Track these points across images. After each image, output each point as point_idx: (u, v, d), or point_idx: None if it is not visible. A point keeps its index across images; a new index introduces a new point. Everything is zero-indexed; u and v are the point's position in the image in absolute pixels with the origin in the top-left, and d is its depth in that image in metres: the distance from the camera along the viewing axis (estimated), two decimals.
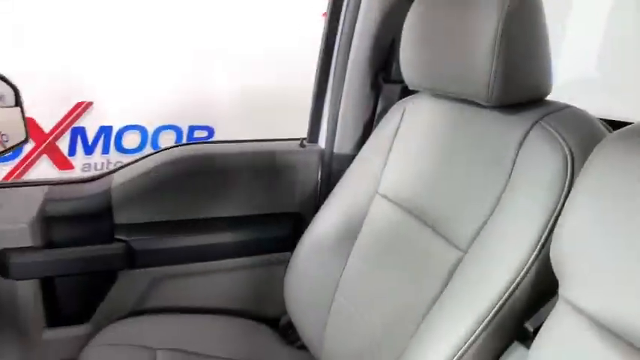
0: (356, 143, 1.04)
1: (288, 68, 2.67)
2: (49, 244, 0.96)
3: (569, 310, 0.42)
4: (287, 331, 1.07)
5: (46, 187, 0.99)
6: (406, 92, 0.92)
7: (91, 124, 2.98)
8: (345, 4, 0.97)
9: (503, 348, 0.51)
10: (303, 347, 1.00)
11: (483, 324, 0.51)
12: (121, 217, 1.00)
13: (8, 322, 0.98)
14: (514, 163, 0.57)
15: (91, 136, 3.05)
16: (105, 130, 3.03)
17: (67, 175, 2.81)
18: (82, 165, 3.06)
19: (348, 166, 0.96)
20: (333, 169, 1.07)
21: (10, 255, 0.92)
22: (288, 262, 1.00)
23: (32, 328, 0.99)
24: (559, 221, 0.44)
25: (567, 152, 0.51)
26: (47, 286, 0.99)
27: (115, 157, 2.97)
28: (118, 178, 1.02)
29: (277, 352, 0.98)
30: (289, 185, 1.11)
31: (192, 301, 1.06)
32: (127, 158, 1.06)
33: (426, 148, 0.76)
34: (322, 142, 1.11)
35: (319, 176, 1.11)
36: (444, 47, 0.64)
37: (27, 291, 0.96)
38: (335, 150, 1.07)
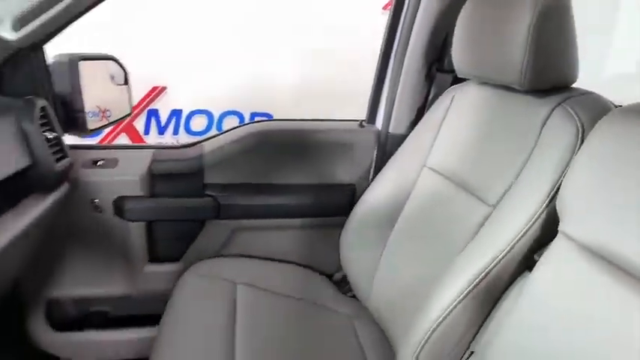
0: (409, 125, 1.19)
1: (345, 61, 2.83)
2: (154, 195, 1.20)
3: (565, 241, 0.56)
4: (340, 284, 1.25)
5: (153, 151, 1.22)
6: (456, 81, 1.06)
7: (164, 107, 3.29)
8: (406, 1, 1.13)
9: (515, 278, 0.65)
10: (353, 297, 1.17)
11: (497, 259, 0.65)
12: (210, 177, 1.22)
13: (120, 254, 1.23)
14: (539, 137, 0.70)
15: (163, 118, 3.36)
16: (176, 114, 3.33)
17: None
18: (154, 144, 3.34)
19: (400, 145, 1.12)
20: (387, 148, 1.23)
21: (125, 201, 1.17)
22: (344, 225, 1.17)
23: (137, 261, 1.23)
24: (566, 175, 0.59)
25: (579, 126, 0.64)
26: (150, 229, 1.23)
27: (183, 139, 3.24)
28: (208, 146, 1.24)
29: (333, 298, 1.16)
30: (348, 160, 1.29)
31: (263, 250, 1.26)
32: (193, 140, 1.27)
33: (470, 127, 0.90)
34: (379, 124, 1.27)
35: (374, 153, 1.27)
36: (489, 41, 0.78)
37: (136, 231, 1.21)
38: (390, 130, 1.23)
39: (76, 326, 1.26)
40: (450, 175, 0.92)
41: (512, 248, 0.64)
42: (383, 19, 1.21)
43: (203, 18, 2.96)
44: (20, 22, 0.93)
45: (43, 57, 1.07)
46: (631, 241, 0.47)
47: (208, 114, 3.33)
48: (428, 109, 1.11)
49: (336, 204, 1.27)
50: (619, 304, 0.47)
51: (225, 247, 1.25)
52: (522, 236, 0.64)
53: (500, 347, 0.60)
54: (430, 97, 1.18)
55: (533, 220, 0.63)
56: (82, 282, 1.24)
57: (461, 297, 0.66)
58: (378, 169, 1.22)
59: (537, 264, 0.60)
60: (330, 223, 1.25)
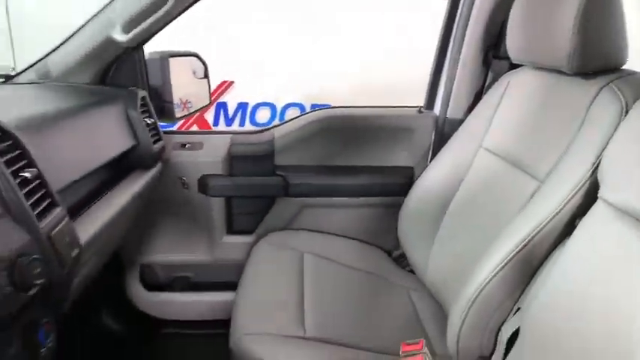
0: (466, 110, 1.25)
1: (405, 58, 2.89)
2: (232, 174, 1.36)
3: (604, 206, 0.62)
4: (399, 260, 1.34)
5: (231, 136, 1.38)
6: (512, 67, 1.11)
7: (231, 100, 3.53)
8: None
9: (558, 243, 0.71)
10: (410, 271, 1.26)
11: (542, 225, 0.71)
12: (280, 159, 1.36)
13: (202, 226, 1.41)
14: (586, 115, 0.75)
15: (231, 111, 3.59)
16: (242, 106, 3.55)
17: None
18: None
19: (457, 129, 1.19)
20: (444, 132, 1.30)
21: (208, 179, 1.34)
22: (402, 204, 1.26)
23: (217, 233, 1.40)
24: (608, 146, 0.64)
25: (624, 103, 0.69)
26: (229, 204, 1.39)
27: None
28: (278, 132, 1.38)
29: (392, 272, 1.25)
30: (407, 144, 1.37)
31: (327, 226, 1.38)
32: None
33: (524, 110, 0.96)
34: (437, 110, 1.34)
35: (432, 138, 1.35)
36: (540, 27, 0.83)
37: (216, 206, 1.37)
38: (447, 115, 1.30)
39: (164, 288, 1.46)
40: (505, 155, 0.98)
41: (556, 214, 0.70)
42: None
43: (268, 18, 3.14)
44: (129, 26, 1.11)
45: (142, 55, 1.25)
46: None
47: (272, 106, 3.51)
48: (484, 94, 1.16)
49: (395, 185, 1.35)
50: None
51: (293, 221, 1.39)
52: (566, 204, 0.69)
53: (544, 303, 0.67)
54: (487, 82, 1.23)
55: (577, 189, 0.69)
56: (169, 250, 1.43)
57: (506, 260, 0.73)
58: (435, 152, 1.29)
59: (577, 227, 0.66)
60: (390, 203, 1.34)
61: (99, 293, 1.36)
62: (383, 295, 1.13)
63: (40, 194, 0.67)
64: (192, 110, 1.45)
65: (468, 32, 1.19)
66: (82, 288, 0.94)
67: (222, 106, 3.55)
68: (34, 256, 0.60)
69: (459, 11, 1.21)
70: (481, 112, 1.11)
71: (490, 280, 0.75)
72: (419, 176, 1.24)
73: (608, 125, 0.68)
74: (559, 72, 0.86)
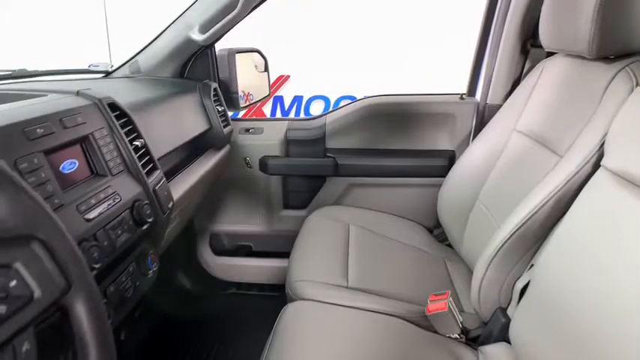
0: (505, 96, 1.34)
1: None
2: (288, 156, 1.54)
3: (604, 172, 0.71)
4: (438, 237, 1.45)
5: (288, 122, 1.56)
6: (548, 55, 1.19)
7: (288, 93, 3.74)
8: None
9: (568, 207, 0.80)
10: (449, 245, 1.37)
11: (554, 191, 0.80)
12: (330, 143, 1.52)
13: (263, 201, 1.60)
14: (603, 95, 0.84)
15: (287, 103, 3.81)
16: (298, 99, 3.76)
17: None
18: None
19: (495, 114, 1.28)
20: (485, 117, 1.39)
21: (268, 160, 1.52)
22: (442, 185, 1.37)
23: (275, 207, 1.59)
24: (615, 119, 0.73)
25: (634, 84, 0.76)
26: (285, 182, 1.57)
27: None
28: (329, 118, 1.53)
29: (432, 245, 1.37)
30: (449, 129, 1.48)
31: (372, 203, 1.52)
32: None
33: (553, 94, 1.04)
34: (478, 96, 1.44)
35: (473, 123, 1.44)
36: (566, 17, 0.92)
37: (274, 183, 1.56)
38: (488, 101, 1.39)
39: (228, 254, 1.68)
40: (534, 136, 1.07)
41: (566, 183, 0.79)
42: None
43: (324, 22, 3.34)
44: (204, 28, 1.31)
45: (214, 52, 1.46)
46: None
47: (325, 99, 3.69)
48: (522, 81, 1.24)
49: (437, 167, 1.47)
50: (638, 217, 0.62)
51: (341, 198, 1.55)
52: (575, 174, 0.79)
53: (551, 260, 0.77)
54: (525, 70, 1.31)
55: (586, 160, 0.78)
56: (234, 221, 1.65)
57: (521, 223, 0.84)
58: (476, 136, 1.39)
59: (581, 192, 0.76)
60: (432, 183, 1.46)
61: (176, 256, 1.60)
62: (420, 262, 1.25)
63: (146, 159, 0.88)
64: (253, 101, 1.65)
65: (506, 24, 1.27)
66: (169, 241, 1.16)
67: (279, 99, 3.78)
68: (145, 202, 0.81)
69: (498, 5, 1.30)
70: (517, 98, 1.20)
71: (507, 240, 0.87)
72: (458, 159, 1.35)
73: (618, 103, 0.76)
74: (584, 58, 0.94)
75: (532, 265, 0.85)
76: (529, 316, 0.80)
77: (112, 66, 1.48)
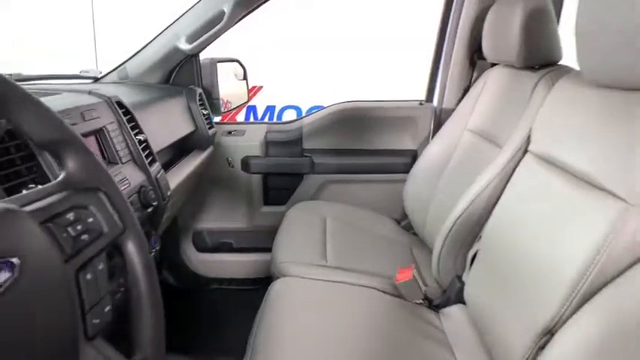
0: (457, 101, 1.53)
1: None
2: (268, 156, 1.67)
3: (530, 156, 0.90)
4: (405, 228, 1.62)
5: (267, 125, 1.70)
6: (492, 66, 1.39)
7: (260, 103, 3.88)
8: (452, 9, 1.48)
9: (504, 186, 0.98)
10: (414, 234, 1.54)
11: (494, 176, 0.98)
12: (307, 143, 1.67)
13: (244, 199, 1.73)
14: (530, 97, 1.03)
15: (260, 113, 3.93)
16: (270, 109, 3.91)
17: None
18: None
19: (449, 117, 1.47)
20: (441, 120, 1.58)
21: (249, 159, 1.66)
22: (406, 180, 1.55)
23: (256, 204, 1.72)
24: (537, 115, 0.92)
25: (550, 87, 0.96)
26: (266, 180, 1.71)
27: None
28: (306, 121, 1.68)
29: (399, 233, 1.53)
30: (411, 131, 1.66)
31: (345, 197, 1.68)
32: None
33: (495, 97, 1.24)
34: (435, 102, 1.63)
35: (432, 125, 1.63)
36: (501, 34, 1.12)
37: (255, 181, 1.69)
38: (443, 106, 1.58)
39: (211, 250, 1.78)
40: (481, 133, 1.26)
41: (503, 168, 0.98)
42: None
43: (293, 33, 3.52)
44: (192, 38, 1.44)
45: (198, 60, 1.59)
46: (566, 151, 0.80)
47: (297, 108, 3.85)
48: (471, 88, 1.44)
49: (401, 164, 1.64)
50: (566, 194, 0.79)
51: (318, 194, 1.69)
52: (509, 160, 0.97)
53: (493, 231, 0.95)
54: (473, 79, 1.51)
55: (517, 149, 0.97)
56: (216, 218, 1.76)
57: (470, 202, 1.02)
58: (434, 136, 1.57)
59: (514, 174, 0.94)
60: (397, 179, 1.63)
61: (160, 253, 1.69)
62: (388, 246, 1.41)
63: (147, 152, 1.00)
64: (232, 107, 1.78)
65: (456, 40, 1.48)
66: (162, 229, 1.26)
67: (253, 108, 3.92)
68: (150, 188, 0.93)
69: (449, 24, 1.51)
70: (467, 102, 1.39)
71: (459, 217, 1.04)
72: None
73: (539, 103, 0.95)
74: (516, 67, 1.14)
75: (480, 237, 1.02)
76: (478, 279, 0.97)
77: (101, 72, 1.58)
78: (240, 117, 3.86)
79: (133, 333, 0.49)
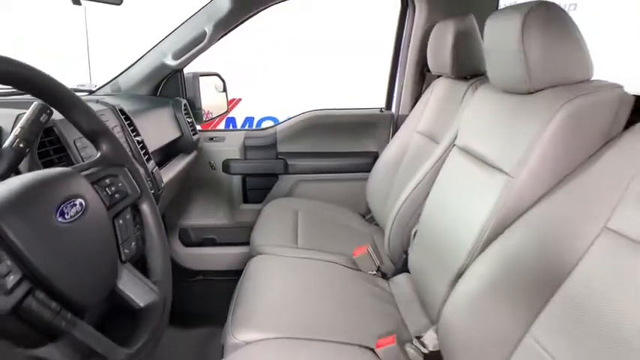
0: (410, 108, 1.77)
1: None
2: (246, 159, 1.88)
3: (455, 149, 1.13)
4: (369, 220, 1.84)
5: (245, 132, 1.91)
6: (438, 77, 1.64)
7: (239, 115, 4.09)
8: (404, 32, 1.74)
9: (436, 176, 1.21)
10: (377, 225, 1.76)
11: (429, 168, 1.22)
12: (281, 147, 1.88)
13: (225, 198, 1.92)
14: (461, 102, 1.27)
15: (239, 124, 4.13)
16: (249, 120, 4.11)
17: None
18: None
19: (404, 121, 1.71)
20: (398, 124, 1.82)
21: (230, 162, 1.86)
22: (369, 177, 1.77)
23: (236, 202, 1.91)
24: (462, 116, 1.16)
25: (473, 93, 1.20)
26: (244, 181, 1.91)
27: None
28: (279, 128, 1.90)
29: (363, 225, 1.75)
30: (373, 135, 1.89)
31: (316, 195, 1.89)
32: None
33: (438, 104, 1.48)
34: (393, 109, 1.87)
35: (391, 129, 1.87)
36: (438, 51, 1.37)
37: (235, 182, 1.89)
38: (400, 113, 1.82)
39: (196, 245, 1.96)
40: (427, 134, 1.49)
41: (437, 160, 1.21)
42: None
43: (272, 48, 3.76)
44: (177, 55, 1.65)
45: (182, 74, 1.79)
46: (478, 142, 1.03)
47: (275, 119, 4.06)
48: (421, 97, 1.69)
49: (365, 164, 1.87)
50: (474, 174, 1.01)
51: (291, 192, 1.90)
52: (443, 153, 1.20)
53: (427, 211, 1.17)
54: (423, 88, 1.76)
55: (449, 143, 1.20)
56: (200, 215, 1.94)
57: (413, 188, 1.25)
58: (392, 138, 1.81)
59: (444, 164, 1.18)
60: (361, 177, 1.85)
61: None
62: (352, 234, 1.62)
63: (144, 151, 1.19)
64: (213, 116, 1.98)
65: (408, 57, 1.73)
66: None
67: (232, 120, 4.12)
68: (148, 179, 1.12)
69: (402, 45, 1.76)
70: (418, 108, 1.63)
71: (404, 201, 1.27)
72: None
73: (465, 106, 1.19)
74: (452, 78, 1.39)
75: (419, 215, 1.25)
76: (417, 250, 1.19)
77: (95, 85, 1.76)
78: (220, 127, 4.06)
79: (149, 263, 0.68)
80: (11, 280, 0.42)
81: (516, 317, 0.75)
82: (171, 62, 1.66)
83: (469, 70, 1.31)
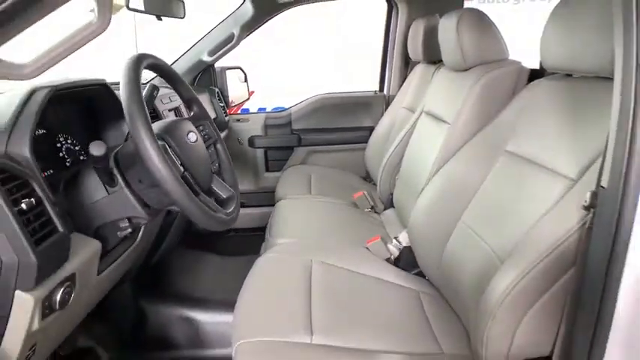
0: (398, 88, 2.19)
1: None
2: (267, 135, 2.32)
3: (423, 114, 1.57)
4: (367, 179, 2.27)
5: (266, 113, 2.35)
6: (417, 64, 2.06)
7: (253, 105, 4.53)
8: (390, 28, 2.16)
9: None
10: (374, 184, 2.19)
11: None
12: (295, 125, 2.32)
13: (251, 167, 2.37)
14: (431, 81, 1.69)
15: None
16: (261, 110, 4.54)
17: None
18: None
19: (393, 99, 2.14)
20: (389, 104, 2.24)
21: (254, 138, 2.30)
22: (366, 147, 2.20)
23: (259, 171, 2.36)
24: (428, 92, 1.59)
25: (436, 71, 1.62)
26: (266, 153, 2.35)
27: None
28: (293, 109, 2.34)
29: (362, 183, 2.18)
30: (369, 112, 2.32)
31: (324, 163, 2.33)
32: None
33: (418, 82, 1.90)
34: (385, 91, 2.30)
35: (384, 107, 2.30)
36: (414, 42, 1.79)
37: (259, 155, 2.34)
38: (390, 93, 2.25)
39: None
40: (409, 107, 1.92)
41: (412, 125, 1.64)
42: None
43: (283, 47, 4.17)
44: (212, 53, 2.09)
45: (214, 68, 2.23)
46: (434, 106, 1.46)
47: (284, 109, 4.49)
48: (407, 79, 2.11)
49: (363, 136, 2.29)
50: (429, 129, 1.44)
51: (304, 161, 2.35)
52: (415, 120, 1.64)
53: (405, 162, 1.60)
54: (408, 72, 2.18)
55: (420, 112, 1.63)
56: None
57: (394, 149, 1.68)
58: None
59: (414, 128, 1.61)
60: (360, 147, 2.28)
61: None
62: (354, 187, 2.05)
63: None
64: (237, 102, 2.43)
65: (395, 48, 2.16)
66: None
67: (246, 110, 4.56)
68: None
69: (390, 38, 2.19)
70: (403, 89, 2.06)
71: (389, 157, 1.70)
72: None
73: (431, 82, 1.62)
74: (425, 62, 1.82)
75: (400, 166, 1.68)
76: (398, 187, 1.62)
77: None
78: None
79: (223, 177, 1.13)
80: (179, 164, 0.87)
81: (454, 212, 1.18)
82: (206, 58, 2.11)
83: (436, 56, 1.73)
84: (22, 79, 0.69)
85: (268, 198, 2.24)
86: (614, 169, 0.60)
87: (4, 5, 0.53)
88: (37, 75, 0.71)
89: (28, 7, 0.57)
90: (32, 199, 0.72)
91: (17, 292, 0.70)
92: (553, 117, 0.97)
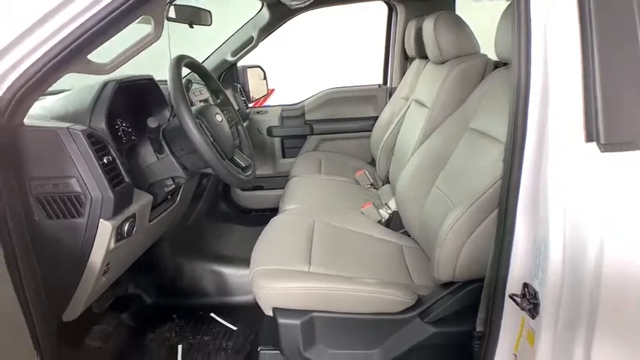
0: (399, 81, 2.45)
1: None
2: (283, 125, 2.62)
3: (412, 101, 1.82)
4: (372, 163, 2.54)
5: (282, 106, 2.64)
6: (414, 59, 2.31)
7: (273, 102, 4.85)
8: (391, 28, 2.43)
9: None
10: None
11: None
12: (308, 116, 2.61)
13: (269, 154, 2.67)
14: (421, 73, 1.95)
15: None
16: None
17: None
18: None
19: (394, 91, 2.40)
20: (391, 95, 2.51)
21: (272, 128, 2.61)
22: (371, 134, 2.47)
23: (277, 157, 2.66)
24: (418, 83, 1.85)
25: (425, 65, 1.87)
26: (282, 141, 2.65)
27: None
28: (307, 102, 2.63)
29: (366, 166, 2.46)
30: (374, 103, 2.59)
31: (333, 149, 2.60)
32: None
33: (415, 75, 2.16)
34: (388, 84, 2.57)
35: (386, 99, 2.56)
36: (410, 41, 2.05)
37: (276, 143, 2.64)
38: (392, 86, 2.51)
39: (250, 190, 2.73)
40: (406, 97, 2.18)
41: (405, 111, 1.90)
42: None
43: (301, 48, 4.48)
44: (234, 53, 2.40)
45: (236, 67, 2.54)
46: (420, 94, 1.71)
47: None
48: (406, 73, 2.37)
49: (369, 124, 2.56)
50: (415, 113, 1.68)
51: (316, 148, 2.63)
52: (408, 107, 1.89)
53: (397, 143, 1.87)
54: (407, 67, 2.44)
55: (411, 100, 1.89)
56: None
57: (390, 132, 1.95)
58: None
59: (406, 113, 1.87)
60: (365, 135, 2.55)
61: (218, 192, 2.64)
62: (357, 168, 2.33)
63: None
64: (257, 97, 2.74)
65: (395, 46, 2.42)
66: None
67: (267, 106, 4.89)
68: None
69: (391, 36, 2.45)
70: (403, 82, 2.32)
71: (386, 139, 1.97)
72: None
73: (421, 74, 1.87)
74: (419, 58, 2.07)
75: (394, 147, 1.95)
76: (393, 165, 1.89)
77: None
78: None
79: (243, 150, 1.43)
80: (210, 136, 1.17)
81: (430, 179, 1.44)
82: (230, 58, 2.42)
83: (425, 52, 1.99)
84: (103, 74, 1.00)
85: (285, 182, 2.53)
86: (510, 130, 0.86)
87: (102, 23, 0.83)
88: (114, 71, 1.02)
89: (115, 23, 0.87)
90: (110, 157, 1.04)
91: (101, 220, 1.01)
92: (500, 99, 1.23)
